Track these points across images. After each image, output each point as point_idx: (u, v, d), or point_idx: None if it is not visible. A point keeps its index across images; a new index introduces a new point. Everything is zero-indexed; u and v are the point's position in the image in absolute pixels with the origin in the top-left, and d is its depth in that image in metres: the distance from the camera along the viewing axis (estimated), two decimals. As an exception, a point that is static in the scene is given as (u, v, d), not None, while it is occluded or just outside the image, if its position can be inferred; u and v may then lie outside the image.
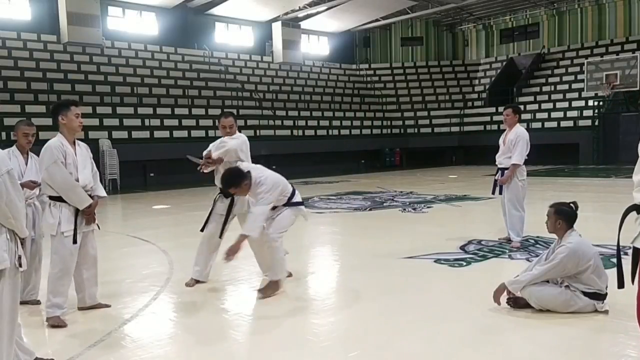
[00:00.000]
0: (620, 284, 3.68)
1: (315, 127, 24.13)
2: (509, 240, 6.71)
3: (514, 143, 6.64)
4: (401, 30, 32.16)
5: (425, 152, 26.77)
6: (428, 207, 10.71)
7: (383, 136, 26.71)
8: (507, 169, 6.71)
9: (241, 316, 4.27)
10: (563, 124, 24.16)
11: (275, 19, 26.79)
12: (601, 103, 23.54)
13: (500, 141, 6.94)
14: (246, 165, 5.02)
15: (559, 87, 26.59)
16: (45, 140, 4.22)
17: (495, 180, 6.93)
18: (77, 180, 4.20)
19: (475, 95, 29.36)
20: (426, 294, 4.82)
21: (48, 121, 16.74)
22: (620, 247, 2.43)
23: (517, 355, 3.42)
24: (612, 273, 4.50)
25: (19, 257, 2.79)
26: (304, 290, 5.16)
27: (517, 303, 4.18)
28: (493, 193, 7.03)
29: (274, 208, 4.90)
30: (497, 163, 6.97)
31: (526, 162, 6.74)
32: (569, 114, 24.53)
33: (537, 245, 6.55)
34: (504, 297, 4.20)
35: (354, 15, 28.18)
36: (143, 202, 13.76)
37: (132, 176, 17.73)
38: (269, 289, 4.80)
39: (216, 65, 24.98)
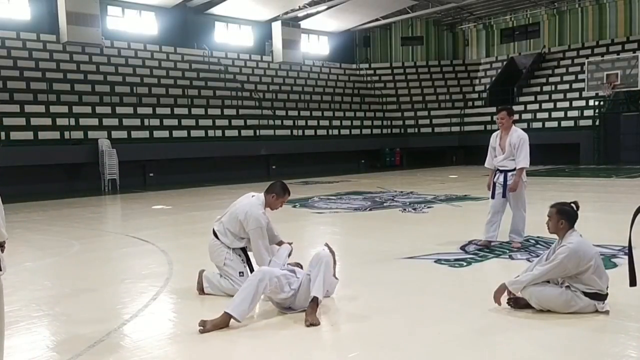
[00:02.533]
0: (633, 282, 3.67)
1: (315, 127, 24.13)
2: (489, 244, 6.58)
3: (518, 146, 6.46)
4: (401, 29, 32.16)
5: (426, 152, 26.76)
6: (428, 207, 10.69)
7: (383, 136, 26.70)
8: (510, 170, 6.56)
9: (241, 317, 4.25)
10: (564, 123, 24.15)
11: (275, 19, 26.78)
12: (602, 103, 23.52)
13: (495, 144, 6.72)
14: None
15: (560, 87, 26.58)
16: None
17: (495, 184, 6.69)
18: None
19: (475, 95, 29.35)
20: (426, 294, 4.81)
21: (47, 121, 16.89)
22: (623, 248, 2.42)
23: (518, 356, 3.40)
24: (612, 273, 4.50)
25: None
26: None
27: (518, 303, 4.17)
28: (493, 197, 6.68)
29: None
30: (492, 166, 6.76)
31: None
32: (570, 113, 24.53)
33: (538, 246, 6.53)
34: (504, 298, 4.19)
35: (353, 15, 28.18)
36: (142, 202, 13.74)
37: (131, 176, 17.72)
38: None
39: (216, 65, 24.98)
